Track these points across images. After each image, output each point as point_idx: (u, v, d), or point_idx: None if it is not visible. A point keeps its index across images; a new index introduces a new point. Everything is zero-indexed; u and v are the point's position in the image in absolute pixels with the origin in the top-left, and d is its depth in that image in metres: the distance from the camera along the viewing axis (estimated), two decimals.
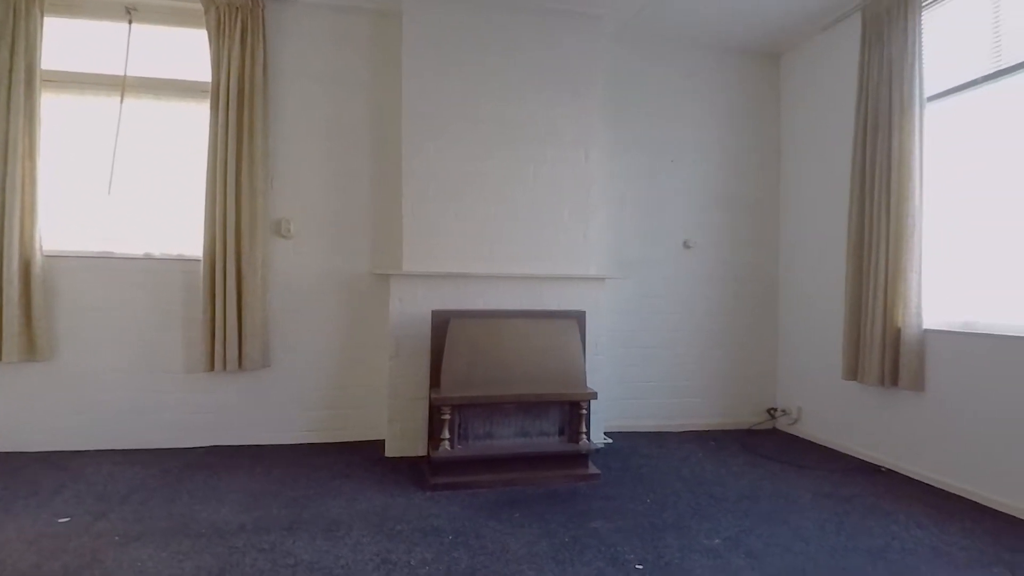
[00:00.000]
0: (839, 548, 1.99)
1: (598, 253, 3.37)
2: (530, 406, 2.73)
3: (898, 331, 2.74)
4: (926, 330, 2.67)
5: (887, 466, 2.85)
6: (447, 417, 2.58)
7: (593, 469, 2.70)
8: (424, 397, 2.96)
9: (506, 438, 2.73)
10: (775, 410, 3.66)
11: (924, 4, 2.72)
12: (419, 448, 2.99)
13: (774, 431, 3.61)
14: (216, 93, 2.94)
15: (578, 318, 2.92)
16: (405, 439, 2.99)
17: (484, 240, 3.12)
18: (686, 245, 3.60)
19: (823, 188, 3.38)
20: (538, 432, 2.77)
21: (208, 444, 3.05)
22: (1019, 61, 2.36)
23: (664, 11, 3.22)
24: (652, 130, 3.59)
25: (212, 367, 2.95)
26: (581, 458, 2.71)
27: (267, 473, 2.66)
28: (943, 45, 2.72)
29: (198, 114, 3.05)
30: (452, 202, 3.08)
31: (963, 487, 2.48)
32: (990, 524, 2.19)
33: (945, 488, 2.54)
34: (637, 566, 1.83)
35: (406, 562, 1.83)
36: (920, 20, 2.71)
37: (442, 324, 2.77)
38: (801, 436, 3.47)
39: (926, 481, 2.64)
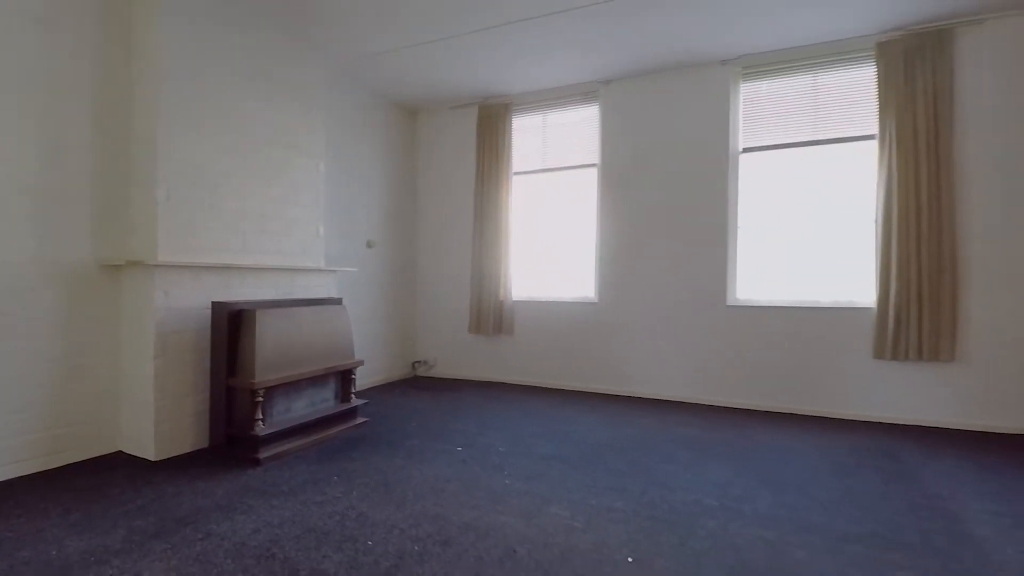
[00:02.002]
0: (497, 419, 3.73)
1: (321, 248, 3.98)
2: (318, 378, 3.27)
3: (501, 302, 4.78)
4: (515, 301, 4.82)
5: (497, 380, 4.88)
6: (261, 399, 2.86)
7: (362, 419, 3.51)
8: (198, 391, 2.96)
9: (302, 408, 3.18)
10: (418, 362, 5.20)
11: (515, 112, 4.80)
12: (198, 441, 2.97)
13: (420, 377, 5.14)
14: None
15: (340, 303, 3.58)
16: (175, 438, 2.87)
17: (238, 233, 3.26)
18: (368, 245, 4.63)
19: (450, 211, 5.13)
20: (322, 399, 3.34)
21: None
22: (560, 165, 4.73)
23: (356, 73, 4.17)
24: (343, 152, 4.42)
25: None
26: (353, 412, 3.47)
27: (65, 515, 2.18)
28: (524, 138, 4.88)
29: None
30: (208, 194, 3.08)
31: (537, 382, 4.74)
32: (556, 396, 4.44)
33: (528, 384, 4.75)
34: (458, 448, 3.00)
35: (302, 515, 2.36)
36: (511, 120, 4.78)
37: (232, 316, 2.92)
38: (439, 376, 5.15)
39: (516, 383, 4.79)
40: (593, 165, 4.56)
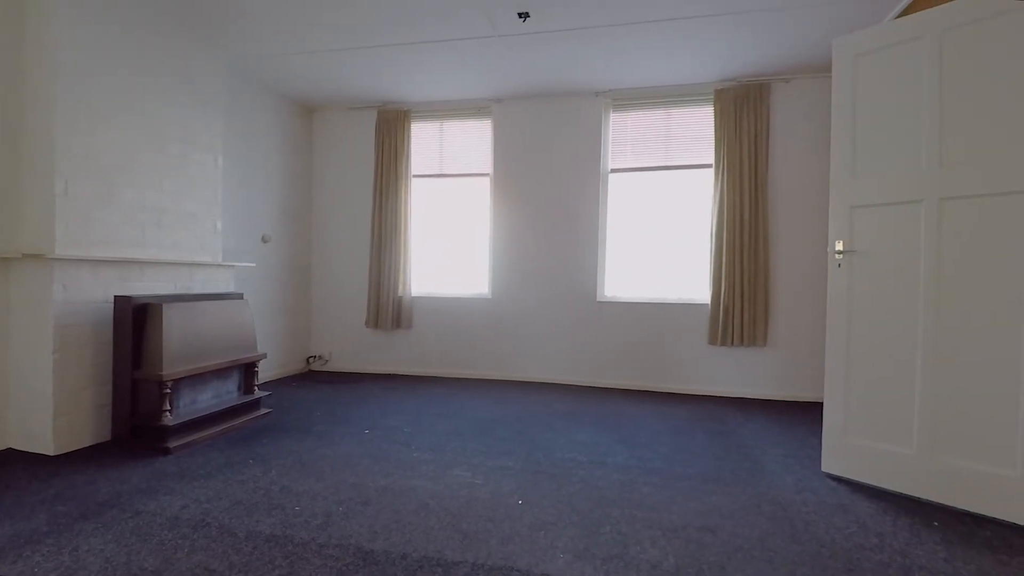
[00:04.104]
0: (399, 405, 4.08)
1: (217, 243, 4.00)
2: (223, 371, 3.37)
3: (400, 297, 5.07)
4: (414, 296, 5.14)
5: (395, 372, 5.16)
6: (169, 391, 2.94)
7: (266, 409, 3.64)
8: (97, 384, 2.97)
9: (208, 400, 3.27)
10: (313, 357, 5.31)
11: (413, 119, 5.10)
12: (100, 434, 2.99)
13: (315, 372, 5.25)
14: None
15: (242, 298, 3.67)
16: (74, 432, 2.85)
17: (136, 226, 3.25)
18: (264, 240, 4.67)
19: (349, 208, 5.29)
20: (226, 391, 3.43)
21: None
22: (457, 172, 5.11)
23: (253, 71, 4.24)
24: (240, 147, 4.44)
25: None
26: (257, 403, 3.60)
27: None
28: (422, 143, 5.18)
29: None
30: (106, 187, 3.06)
31: (435, 372, 5.09)
32: (453, 384, 4.83)
33: (427, 374, 5.09)
34: (365, 431, 3.30)
35: (226, 491, 2.58)
36: (410, 126, 5.08)
37: (138, 310, 2.96)
38: (335, 370, 5.30)
39: (415, 374, 5.11)
40: (486, 175, 5.03)
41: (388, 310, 5.07)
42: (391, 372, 5.20)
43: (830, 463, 2.72)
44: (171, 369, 2.96)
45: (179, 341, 3.04)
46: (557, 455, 2.91)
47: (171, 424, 2.91)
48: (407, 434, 3.25)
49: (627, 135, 4.74)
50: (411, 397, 4.24)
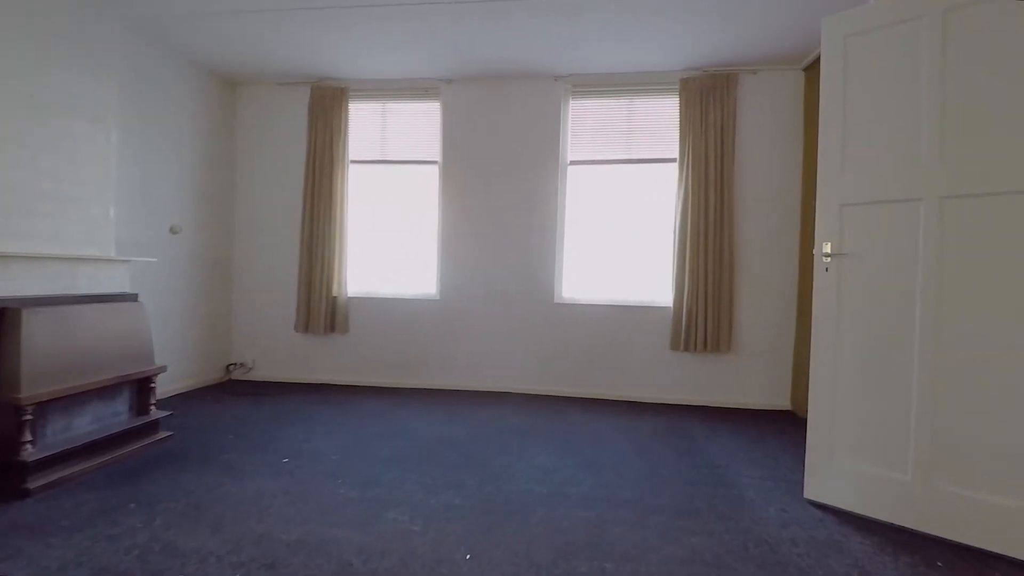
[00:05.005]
0: (330, 424, 3.59)
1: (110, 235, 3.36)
2: (108, 389, 2.77)
3: (335, 298, 4.54)
4: (350, 296, 4.61)
5: (329, 382, 4.61)
6: (29, 417, 2.34)
7: (166, 433, 3.06)
8: None
9: (87, 426, 2.67)
10: (234, 364, 4.69)
11: (352, 98, 4.55)
12: None
13: (236, 381, 4.64)
14: None
15: (136, 299, 3.06)
16: None
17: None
18: (172, 231, 4.02)
19: (276, 196, 4.70)
20: (113, 414, 2.84)
21: None
22: (401, 159, 4.61)
23: (161, 34, 3.62)
24: (142, 121, 3.79)
25: None
26: (154, 426, 3.01)
27: None
28: (362, 126, 4.64)
29: None
30: None
31: (374, 382, 4.59)
32: (395, 395, 4.35)
33: (365, 384, 4.57)
34: (284, 460, 2.79)
35: (90, 553, 2.05)
36: (348, 106, 4.53)
37: None
38: (259, 379, 4.70)
39: (351, 383, 4.59)
40: (434, 162, 4.56)
41: (321, 312, 4.53)
42: (324, 382, 4.66)
43: (814, 489, 2.44)
44: (33, 390, 2.36)
45: (46, 354, 2.44)
46: (513, 486, 2.51)
47: (32, 459, 2.32)
48: (335, 463, 2.76)
49: (588, 125, 4.39)
50: (346, 413, 3.74)
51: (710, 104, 4.11)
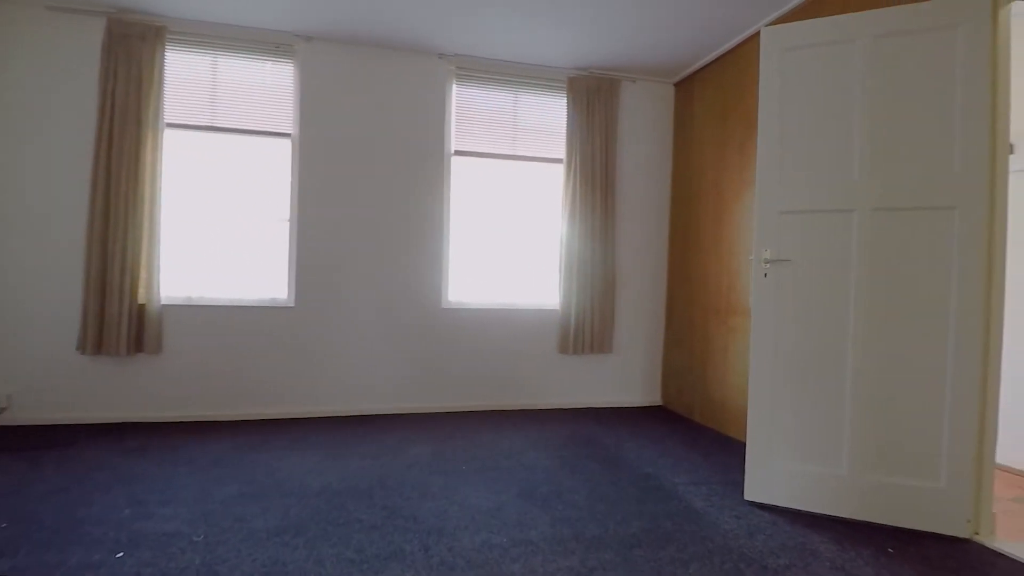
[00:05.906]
0: (163, 483, 2.66)
1: None
2: None
3: (142, 305, 3.37)
4: (164, 304, 3.46)
5: (136, 420, 3.39)
6: None
7: None
8: None
9: None
10: None
11: (170, 42, 3.41)
12: None
13: None
14: None
15: None
16: None
17: None
18: None
19: (50, 161, 3.29)
20: None
21: None
22: (239, 127, 3.59)
23: None
24: None
25: None
26: None
27: None
28: (185, 80, 3.50)
29: None
30: None
31: (204, 415, 3.50)
32: (242, 432, 3.38)
33: (191, 419, 3.47)
34: (118, 555, 1.87)
35: None
36: (164, 51, 3.38)
37: None
38: (22, 424, 3.24)
39: (170, 420, 3.45)
40: (287, 135, 3.69)
41: (120, 325, 3.31)
42: (127, 420, 3.42)
43: (754, 490, 2.48)
44: None
45: None
46: (465, 542, 2.03)
47: None
48: (202, 548, 1.92)
49: (473, 114, 3.99)
50: (181, 464, 2.74)
51: (596, 107, 4.07)
